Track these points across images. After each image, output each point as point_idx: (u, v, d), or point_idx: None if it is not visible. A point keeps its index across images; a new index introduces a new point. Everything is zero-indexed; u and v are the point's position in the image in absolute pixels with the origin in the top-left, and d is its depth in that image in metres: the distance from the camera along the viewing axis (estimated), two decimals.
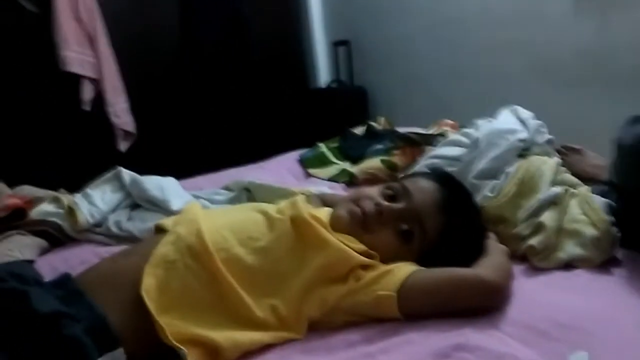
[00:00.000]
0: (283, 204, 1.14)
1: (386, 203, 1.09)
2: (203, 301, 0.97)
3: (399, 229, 1.07)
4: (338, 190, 1.72)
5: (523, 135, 1.42)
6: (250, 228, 1.06)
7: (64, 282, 0.98)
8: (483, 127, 1.51)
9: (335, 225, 1.06)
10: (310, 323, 0.99)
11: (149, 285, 0.95)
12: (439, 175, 1.19)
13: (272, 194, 1.51)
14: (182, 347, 0.89)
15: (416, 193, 1.09)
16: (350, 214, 1.08)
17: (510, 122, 1.49)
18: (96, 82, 2.71)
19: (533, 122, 1.47)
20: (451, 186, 1.15)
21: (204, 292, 0.97)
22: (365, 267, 1.02)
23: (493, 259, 1.06)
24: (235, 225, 1.07)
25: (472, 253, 1.07)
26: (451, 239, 1.08)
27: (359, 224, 1.07)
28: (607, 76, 2.36)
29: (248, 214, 1.12)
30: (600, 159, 1.47)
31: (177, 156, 2.89)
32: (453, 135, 1.63)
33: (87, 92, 2.68)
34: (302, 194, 1.45)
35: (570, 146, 1.54)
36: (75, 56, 2.62)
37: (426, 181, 1.13)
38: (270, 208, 1.13)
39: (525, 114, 1.52)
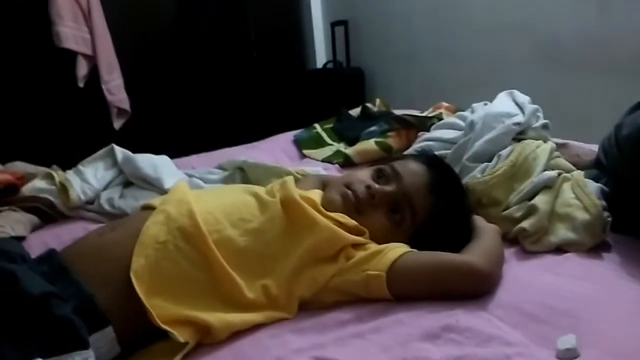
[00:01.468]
0: (272, 185, 1.13)
1: (377, 186, 1.10)
2: (194, 283, 0.96)
3: (389, 211, 1.09)
4: (332, 171, 1.72)
5: (519, 118, 1.41)
6: (242, 210, 1.05)
7: (48, 258, 0.96)
8: (479, 110, 1.51)
9: (328, 208, 1.06)
10: (301, 303, 0.99)
11: (138, 266, 0.93)
12: (427, 158, 1.21)
13: (266, 173, 1.50)
14: (171, 329, 0.88)
15: (406, 175, 1.11)
16: (342, 198, 1.09)
17: (506, 105, 1.48)
18: (91, 59, 2.69)
19: (529, 106, 1.46)
20: (439, 168, 1.17)
21: (195, 274, 0.96)
22: (357, 246, 1.03)
23: (484, 244, 1.06)
24: (227, 207, 1.06)
25: (462, 236, 1.07)
26: (441, 220, 1.08)
27: (351, 207, 1.08)
28: (608, 60, 2.34)
29: (239, 196, 1.11)
30: (583, 149, 1.47)
31: (172, 135, 2.88)
32: (449, 118, 1.62)
33: (82, 69, 2.66)
34: (298, 173, 1.46)
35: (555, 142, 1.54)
36: (70, 32, 2.59)
37: (415, 163, 1.15)
38: (260, 190, 1.13)
39: (522, 97, 1.51)
